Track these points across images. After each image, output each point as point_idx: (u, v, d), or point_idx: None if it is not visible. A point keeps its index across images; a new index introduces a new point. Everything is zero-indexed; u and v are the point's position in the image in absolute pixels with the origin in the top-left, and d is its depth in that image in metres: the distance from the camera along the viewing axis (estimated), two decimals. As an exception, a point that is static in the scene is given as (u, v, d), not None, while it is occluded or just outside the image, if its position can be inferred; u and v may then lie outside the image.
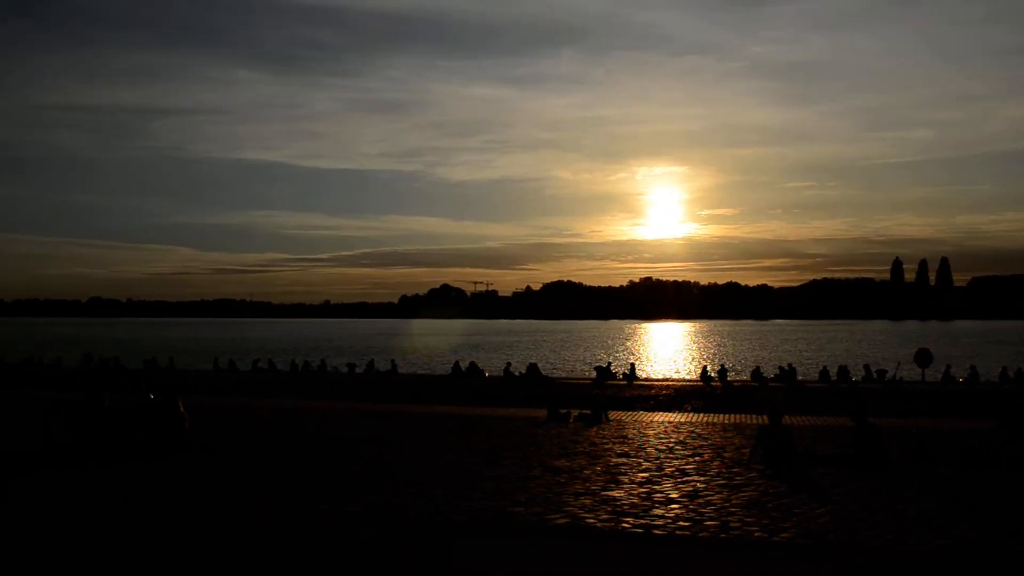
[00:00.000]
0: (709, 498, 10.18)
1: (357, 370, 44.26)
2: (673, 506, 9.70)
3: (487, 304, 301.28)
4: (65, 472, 11.92)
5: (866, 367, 38.93)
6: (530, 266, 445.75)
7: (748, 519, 8.99)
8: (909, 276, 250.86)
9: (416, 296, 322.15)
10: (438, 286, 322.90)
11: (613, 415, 22.07)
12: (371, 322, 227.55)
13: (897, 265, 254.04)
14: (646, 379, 40.29)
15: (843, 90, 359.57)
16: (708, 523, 8.81)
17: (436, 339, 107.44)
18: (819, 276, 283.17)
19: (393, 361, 48.35)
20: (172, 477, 11.57)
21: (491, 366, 49.33)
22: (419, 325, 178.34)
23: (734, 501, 9.98)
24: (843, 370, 38.28)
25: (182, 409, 14.47)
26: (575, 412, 21.45)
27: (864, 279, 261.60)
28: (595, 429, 18.65)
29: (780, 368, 39.61)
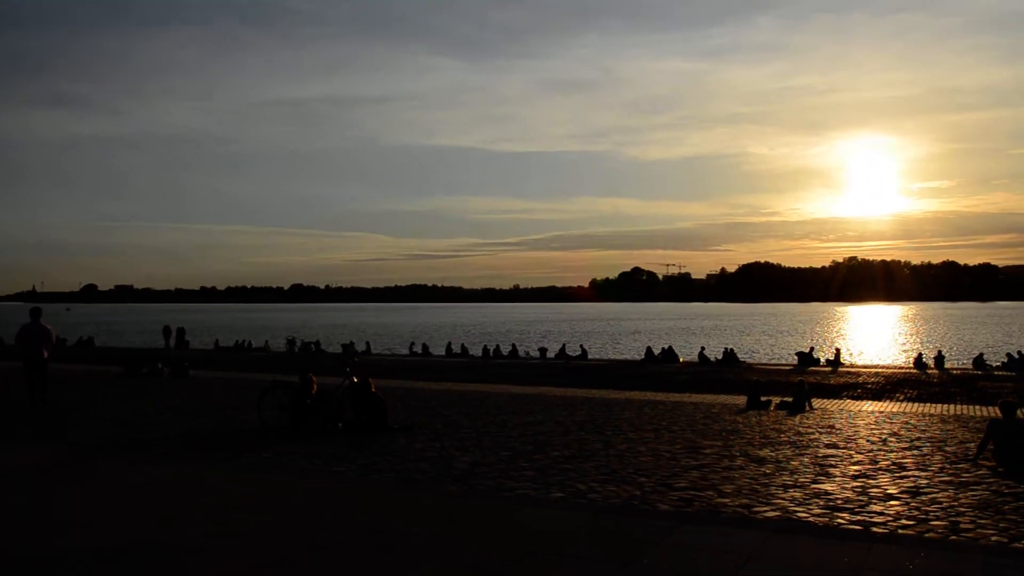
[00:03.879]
0: (933, 495, 9.58)
1: (548, 355, 44.91)
2: (892, 503, 9.20)
3: (680, 287, 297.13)
4: (283, 448, 12.83)
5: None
6: (725, 247, 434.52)
7: (982, 520, 8.39)
8: None
9: (607, 279, 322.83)
10: (629, 269, 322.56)
11: (817, 403, 21.23)
12: (561, 306, 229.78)
13: None
14: (851, 366, 38.40)
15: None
16: (934, 523, 8.30)
17: (627, 323, 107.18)
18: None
19: (582, 346, 48.70)
20: (384, 456, 12.18)
21: (685, 351, 48.67)
22: (610, 309, 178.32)
23: (963, 500, 9.34)
24: (1086, 358, 34.99)
25: (374, 390, 15.21)
26: (776, 400, 20.82)
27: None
28: (799, 418, 18.00)
29: (1008, 355, 36.73)
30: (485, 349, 46.56)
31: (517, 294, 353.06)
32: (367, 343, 54.26)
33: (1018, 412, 12.55)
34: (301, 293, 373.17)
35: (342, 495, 9.48)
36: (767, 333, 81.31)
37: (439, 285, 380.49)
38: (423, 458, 12.10)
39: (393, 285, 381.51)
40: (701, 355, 40.93)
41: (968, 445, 13.44)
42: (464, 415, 17.66)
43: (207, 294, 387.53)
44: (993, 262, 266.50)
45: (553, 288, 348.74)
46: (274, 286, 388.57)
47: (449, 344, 51.89)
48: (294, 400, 15.12)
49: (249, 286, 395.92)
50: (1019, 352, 37.21)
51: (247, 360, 41.24)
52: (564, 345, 49.03)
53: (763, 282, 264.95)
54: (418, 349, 50.57)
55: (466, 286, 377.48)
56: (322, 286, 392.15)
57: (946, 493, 9.73)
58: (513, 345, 48.51)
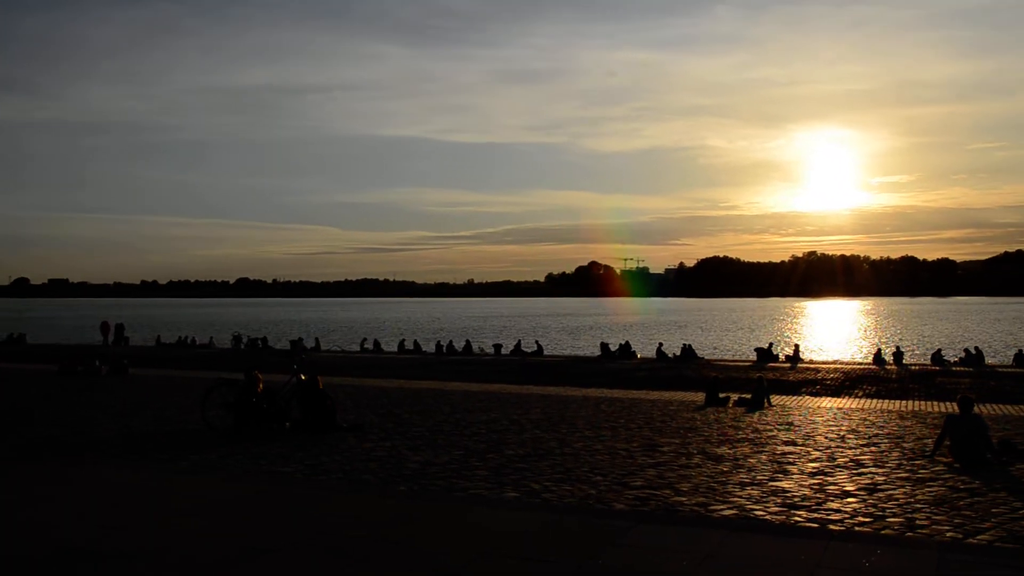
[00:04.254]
0: (890, 492, 9.77)
1: (503, 351, 44.95)
2: (850, 500, 9.37)
3: (638, 282, 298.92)
4: (227, 449, 12.67)
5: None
6: (683, 241, 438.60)
7: (937, 516, 8.58)
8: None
9: (563, 274, 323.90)
10: (586, 263, 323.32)
11: (776, 400, 21.56)
12: (516, 301, 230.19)
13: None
14: (811, 362, 39.04)
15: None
16: (891, 519, 8.46)
17: (583, 319, 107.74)
18: (1011, 248, 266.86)
19: (538, 342, 48.82)
20: (332, 456, 12.09)
21: (642, 347, 49.02)
22: (566, 304, 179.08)
23: (919, 496, 9.54)
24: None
25: (322, 388, 15.11)
26: (735, 396, 21.10)
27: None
28: (757, 415, 18.25)
29: (966, 351, 37.60)
30: (438, 345, 46.49)
31: (471, 289, 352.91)
32: (316, 339, 53.87)
33: (974, 408, 12.83)
34: (247, 287, 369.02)
35: (289, 497, 9.39)
36: (725, 328, 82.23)
37: (391, 279, 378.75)
38: (373, 458, 12.05)
39: (343, 279, 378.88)
40: (659, 351, 41.27)
41: (925, 441, 13.74)
42: (416, 413, 17.62)
43: (148, 288, 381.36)
44: (952, 257, 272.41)
45: (508, 283, 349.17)
46: (219, 280, 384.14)
47: (401, 340, 51.75)
48: (239, 399, 14.95)
49: (193, 280, 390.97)
50: (976, 348, 38.14)
51: (190, 357, 40.69)
52: (519, 341, 49.10)
53: (722, 277, 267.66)
54: (369, 345, 50.37)
55: (419, 280, 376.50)
56: (269, 280, 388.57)
57: (903, 490, 9.93)
58: (467, 341, 48.53)
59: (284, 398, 15.25)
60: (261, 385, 15.19)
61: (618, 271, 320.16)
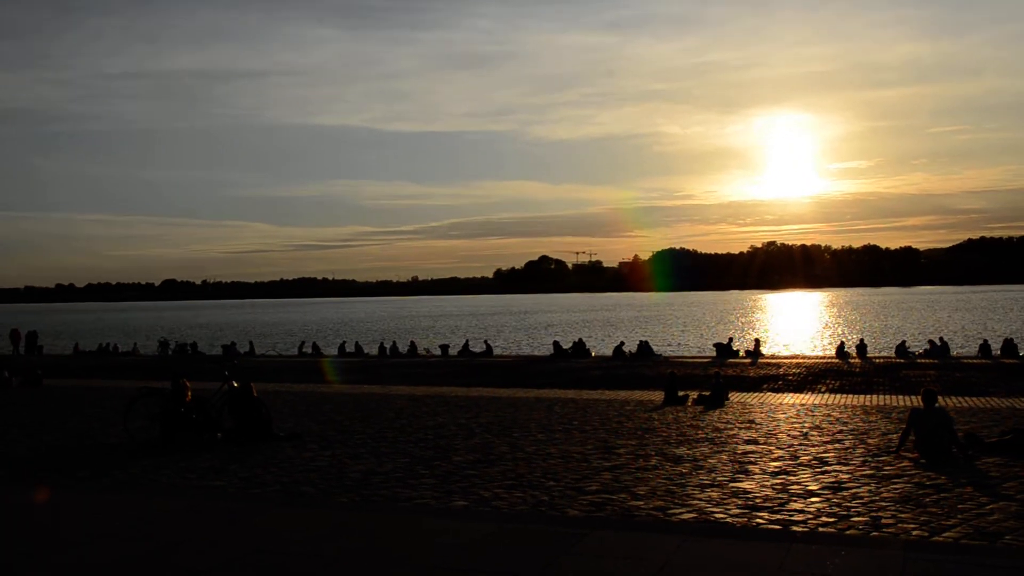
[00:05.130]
0: (855, 490, 9.95)
1: (451, 352, 44.90)
2: (813, 499, 9.53)
3: (591, 276, 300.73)
4: (153, 463, 12.47)
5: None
6: (638, 233, 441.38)
7: (903, 515, 8.75)
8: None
9: (512, 269, 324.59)
10: (536, 258, 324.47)
11: (736, 397, 21.84)
12: (464, 299, 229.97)
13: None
14: (772, 356, 39.63)
15: (1013, 11, 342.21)
16: (855, 519, 8.62)
17: (535, 316, 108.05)
18: (974, 235, 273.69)
19: (487, 341, 48.86)
20: (268, 468, 11.96)
21: (598, 345, 49.33)
22: (516, 301, 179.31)
23: (884, 494, 9.73)
24: (1009, 344, 36.86)
25: (256, 395, 14.95)
26: (694, 394, 21.33)
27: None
28: (717, 413, 18.48)
29: (930, 342, 38.46)
30: (381, 347, 46.33)
31: (416, 287, 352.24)
32: (250, 343, 53.27)
33: (939, 401, 13.12)
34: (174, 289, 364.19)
35: (221, 513, 9.27)
36: (683, 323, 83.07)
37: (329, 278, 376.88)
38: (312, 468, 11.96)
39: (278, 279, 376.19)
40: (616, 349, 41.54)
41: (891, 437, 14.02)
42: (358, 420, 17.53)
43: (64, 292, 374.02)
44: (914, 245, 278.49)
45: (455, 279, 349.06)
46: (143, 282, 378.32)
47: (342, 343, 51.48)
48: (166, 409, 14.71)
49: (114, 282, 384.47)
50: (940, 339, 39.00)
51: (112, 366, 40.00)
52: (467, 341, 49.13)
53: (679, 269, 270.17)
54: (308, 349, 50.06)
55: (359, 279, 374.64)
56: (198, 281, 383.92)
57: (867, 487, 10.12)
58: (411, 342, 48.39)
59: (215, 407, 15.07)
60: (190, 393, 14.96)
61: (570, 265, 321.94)
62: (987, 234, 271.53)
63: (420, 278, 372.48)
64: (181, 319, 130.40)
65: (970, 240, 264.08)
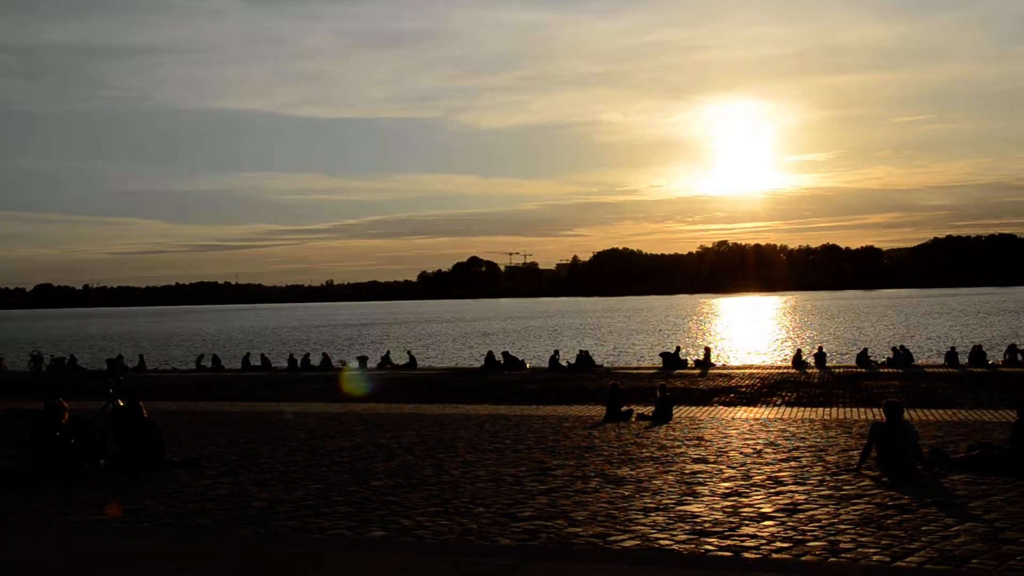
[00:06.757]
0: (811, 513, 10.11)
1: (370, 364, 44.69)
2: (767, 523, 9.65)
3: (525, 279, 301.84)
4: (22, 496, 12.14)
5: (1011, 348, 38.18)
6: (577, 232, 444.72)
7: (863, 538, 8.91)
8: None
9: (439, 272, 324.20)
10: (465, 259, 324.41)
11: (684, 412, 22.10)
12: (385, 305, 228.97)
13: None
14: (723, 367, 40.19)
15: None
16: (812, 543, 8.75)
17: (464, 324, 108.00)
18: (941, 234, 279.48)
19: (410, 352, 48.72)
20: (159, 499, 11.73)
21: (533, 355, 49.51)
22: (443, 307, 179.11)
23: (843, 516, 9.90)
24: (977, 351, 37.81)
25: (146, 416, 14.66)
26: (639, 409, 21.52)
27: (1001, 235, 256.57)
28: (663, 429, 18.67)
29: (893, 350, 39.35)
30: (292, 360, 45.87)
31: (331, 291, 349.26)
32: (140, 357, 52.25)
33: (903, 414, 13.40)
34: (50, 295, 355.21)
35: (105, 552, 9.06)
36: (627, 331, 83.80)
37: (232, 282, 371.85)
38: (211, 498, 11.77)
39: (174, 284, 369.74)
40: (552, 360, 41.71)
41: (851, 453, 14.28)
42: (265, 442, 17.35)
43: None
44: (877, 245, 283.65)
45: (375, 283, 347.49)
46: (12, 287, 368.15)
47: (246, 355, 50.83)
48: (38, 433, 14.30)
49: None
50: (903, 347, 39.91)
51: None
52: (388, 352, 48.95)
53: (622, 272, 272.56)
54: (207, 363, 49.34)
55: (267, 283, 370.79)
56: (79, 286, 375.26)
57: (826, 509, 10.29)
58: (325, 354, 48.09)
59: (98, 430, 14.71)
60: (67, 415, 14.57)
61: (502, 267, 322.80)
62: (954, 232, 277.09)
63: (336, 282, 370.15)
64: (58, 329, 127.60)
65: (936, 239, 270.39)
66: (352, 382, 34.48)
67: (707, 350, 42.35)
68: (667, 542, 8.96)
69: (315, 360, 46.06)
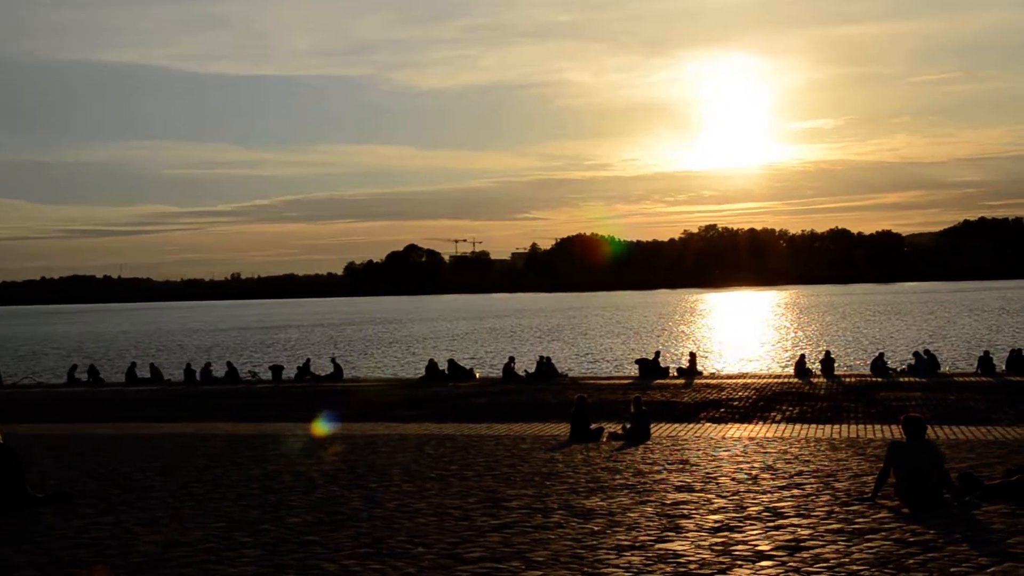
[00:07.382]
0: (817, 551, 10.17)
1: (285, 376, 44.42)
2: (764, 563, 9.70)
3: (474, 272, 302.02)
4: None
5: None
6: (536, 214, 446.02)
7: (879, 581, 8.99)
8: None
9: (370, 263, 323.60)
10: (402, 248, 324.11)
11: (665, 430, 22.18)
12: (304, 303, 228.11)
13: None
14: (712, 376, 40.41)
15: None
16: (819, 588, 8.81)
17: (401, 326, 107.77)
18: (971, 215, 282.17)
19: (335, 360, 48.50)
20: (19, 545, 11.58)
21: (484, 364, 49.47)
22: (375, 305, 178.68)
23: (855, 555, 9.96)
24: (1016, 356, 37.99)
25: (3, 442, 14.46)
26: (610, 427, 21.54)
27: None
28: (640, 451, 18.73)
29: (915, 355, 39.58)
30: (189, 371, 45.49)
31: (238, 287, 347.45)
32: (-2, 369, 51.72)
33: (927, 432, 13.48)
34: None
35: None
36: (596, 333, 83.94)
37: (116, 276, 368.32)
38: (85, 542, 11.66)
39: (40, 277, 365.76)
40: (507, 369, 41.68)
41: (864, 479, 14.37)
42: (155, 471, 17.26)
43: None
44: (895, 229, 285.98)
45: (292, 277, 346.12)
46: None
47: (132, 365, 50.23)
48: None
49: None
50: (926, 351, 40.18)
51: None
52: (308, 360, 48.63)
53: (590, 262, 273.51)
54: (83, 375, 48.70)
55: (158, 277, 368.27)
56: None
57: (834, 547, 10.34)
58: (230, 364, 47.68)
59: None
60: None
61: (447, 258, 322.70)
62: (987, 214, 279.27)
63: (244, 275, 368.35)
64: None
65: (966, 222, 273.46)
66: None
67: (692, 356, 42.45)
68: (645, 588, 8.98)
69: (218, 371, 45.67)
